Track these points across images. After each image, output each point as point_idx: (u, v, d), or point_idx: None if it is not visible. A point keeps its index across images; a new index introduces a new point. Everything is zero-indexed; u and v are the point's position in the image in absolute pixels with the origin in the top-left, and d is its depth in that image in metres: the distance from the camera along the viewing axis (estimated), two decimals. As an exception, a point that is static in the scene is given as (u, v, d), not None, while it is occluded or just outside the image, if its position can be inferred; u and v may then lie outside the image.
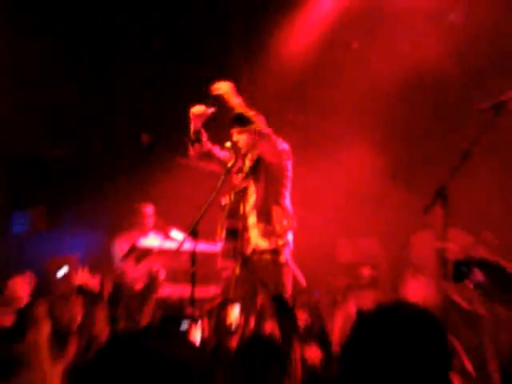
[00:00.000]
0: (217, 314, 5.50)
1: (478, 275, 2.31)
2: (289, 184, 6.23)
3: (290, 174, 6.24)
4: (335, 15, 9.12)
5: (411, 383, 1.77)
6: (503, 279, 2.27)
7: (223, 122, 6.37)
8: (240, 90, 6.16)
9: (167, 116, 6.30)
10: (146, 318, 7.16)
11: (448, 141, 7.99)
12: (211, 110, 6.31)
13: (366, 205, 8.80)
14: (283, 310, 2.48)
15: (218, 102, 6.14)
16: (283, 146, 6.21)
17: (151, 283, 4.09)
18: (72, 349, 3.21)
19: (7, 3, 8.96)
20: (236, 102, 6.08)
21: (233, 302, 5.49)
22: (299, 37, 9.24)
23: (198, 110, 6.34)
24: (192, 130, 6.39)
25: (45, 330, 3.00)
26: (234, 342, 5.08)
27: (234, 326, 5.19)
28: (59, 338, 3.13)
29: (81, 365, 3.04)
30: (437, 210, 5.20)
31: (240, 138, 6.27)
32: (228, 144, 6.26)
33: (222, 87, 6.12)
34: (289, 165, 6.23)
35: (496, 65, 8.52)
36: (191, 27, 9.68)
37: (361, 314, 2.66)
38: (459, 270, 2.40)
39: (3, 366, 3.09)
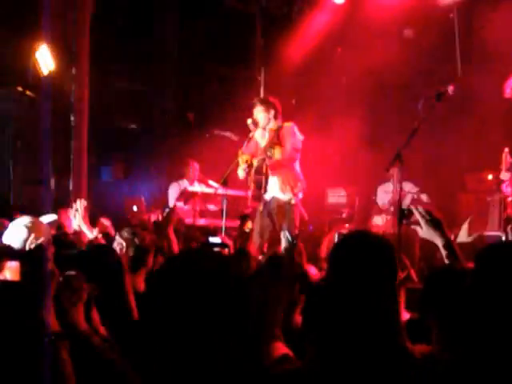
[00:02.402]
0: (239, 227, 5.64)
1: (414, 218, 2.52)
2: (299, 156, 6.30)
3: (300, 149, 6.28)
4: (325, 29, 9.13)
5: (371, 282, 1.78)
6: (431, 220, 2.47)
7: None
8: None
9: (206, 101, 6.42)
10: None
11: (403, 120, 8.02)
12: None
13: (347, 164, 8.86)
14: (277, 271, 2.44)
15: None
16: (299, 137, 6.25)
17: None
18: (150, 261, 3.35)
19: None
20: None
21: (248, 218, 5.64)
22: (300, 44, 9.23)
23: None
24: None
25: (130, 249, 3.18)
26: (249, 246, 5.22)
27: (247, 230, 5.36)
28: (142, 253, 3.29)
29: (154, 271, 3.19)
30: (395, 168, 5.32)
31: (259, 116, 6.30)
32: (249, 120, 6.31)
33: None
34: (300, 146, 6.27)
35: (436, 67, 8.57)
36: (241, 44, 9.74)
37: (339, 235, 2.76)
38: (402, 214, 2.61)
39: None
